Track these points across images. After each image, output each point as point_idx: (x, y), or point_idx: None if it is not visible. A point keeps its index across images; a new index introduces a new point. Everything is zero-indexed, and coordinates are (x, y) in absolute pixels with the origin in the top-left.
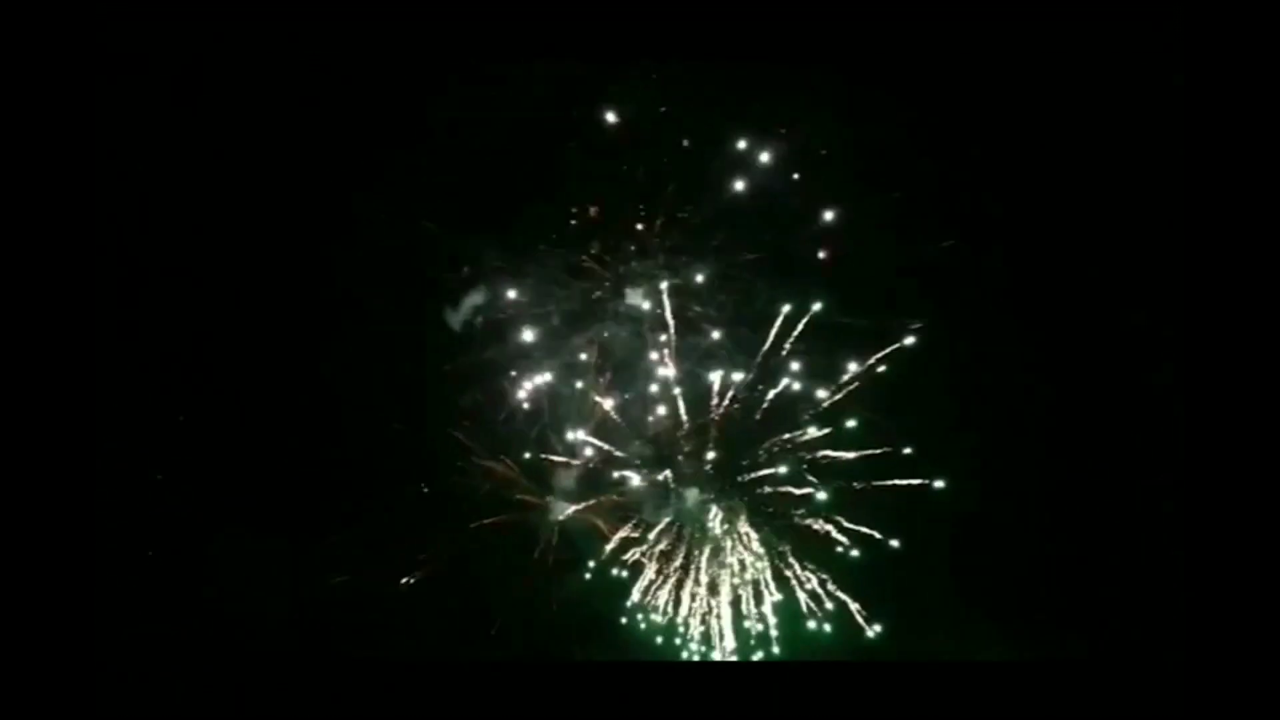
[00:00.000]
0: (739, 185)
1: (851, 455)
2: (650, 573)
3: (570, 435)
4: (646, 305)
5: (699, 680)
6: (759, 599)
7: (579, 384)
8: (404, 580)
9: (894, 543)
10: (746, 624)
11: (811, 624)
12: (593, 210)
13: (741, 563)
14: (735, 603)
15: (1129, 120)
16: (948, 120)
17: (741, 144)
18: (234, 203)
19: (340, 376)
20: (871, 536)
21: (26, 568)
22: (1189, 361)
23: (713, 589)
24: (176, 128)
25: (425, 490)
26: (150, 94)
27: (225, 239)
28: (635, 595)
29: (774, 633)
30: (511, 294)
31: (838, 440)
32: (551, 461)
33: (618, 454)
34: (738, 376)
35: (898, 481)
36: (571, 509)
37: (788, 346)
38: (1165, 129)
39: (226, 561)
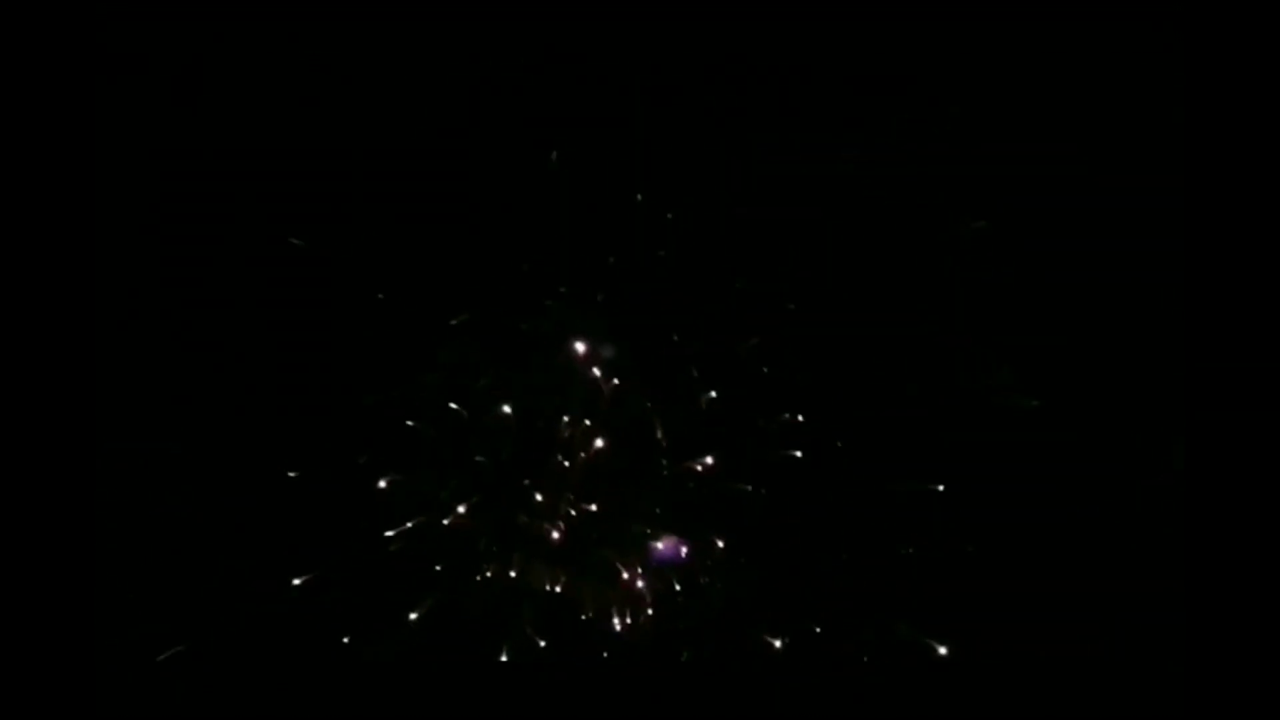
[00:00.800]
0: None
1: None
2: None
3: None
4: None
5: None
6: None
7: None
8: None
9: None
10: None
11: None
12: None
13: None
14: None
15: (1128, 119)
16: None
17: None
18: (234, 204)
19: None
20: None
21: (26, 568)
22: (1189, 361)
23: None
24: (176, 128)
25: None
26: (150, 94)
27: (225, 240)
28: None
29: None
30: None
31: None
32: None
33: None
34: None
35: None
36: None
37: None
38: (1165, 129)
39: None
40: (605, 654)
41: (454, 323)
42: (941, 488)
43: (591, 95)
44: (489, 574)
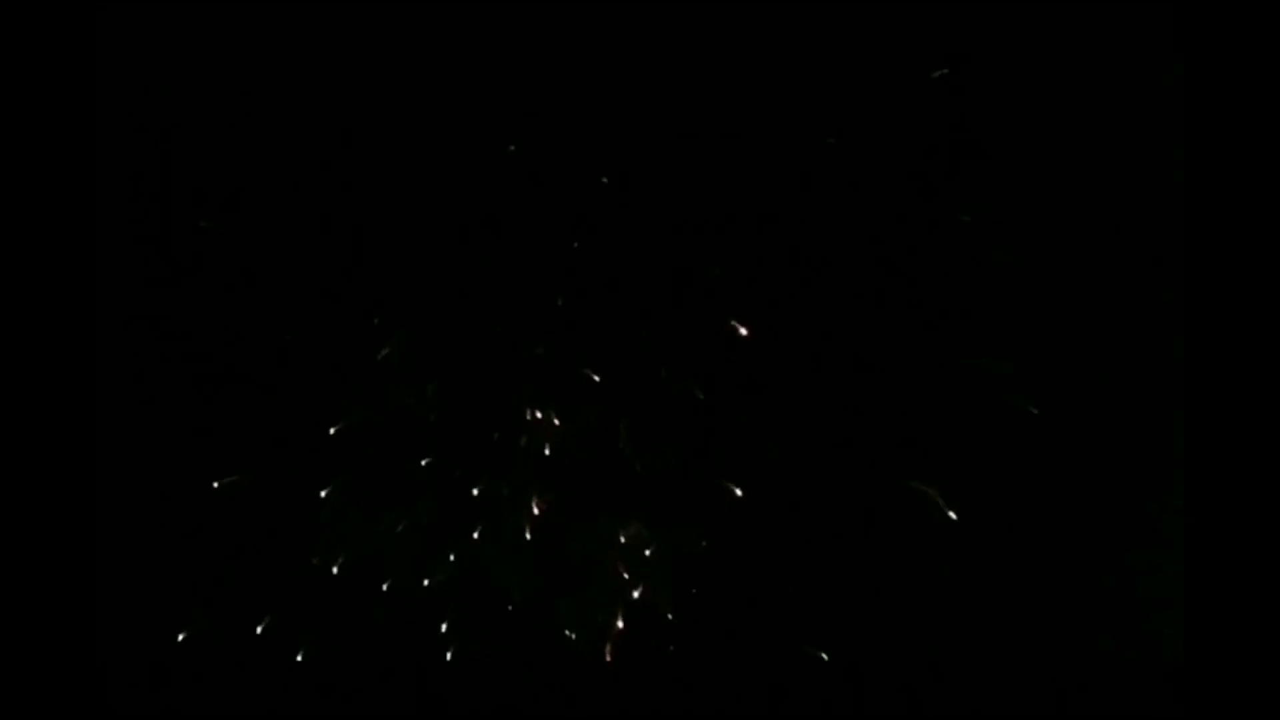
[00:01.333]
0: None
1: None
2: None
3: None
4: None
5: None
6: None
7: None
8: None
9: None
10: None
11: None
12: None
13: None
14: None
15: (1128, 119)
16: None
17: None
18: (234, 205)
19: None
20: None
21: (27, 567)
22: (1189, 361)
23: None
24: (176, 128)
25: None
26: (150, 93)
27: (225, 240)
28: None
29: None
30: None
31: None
32: None
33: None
34: None
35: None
36: None
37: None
38: (1165, 128)
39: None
40: (586, 656)
41: (382, 354)
42: (935, 488)
43: (578, 93)
44: (456, 576)
